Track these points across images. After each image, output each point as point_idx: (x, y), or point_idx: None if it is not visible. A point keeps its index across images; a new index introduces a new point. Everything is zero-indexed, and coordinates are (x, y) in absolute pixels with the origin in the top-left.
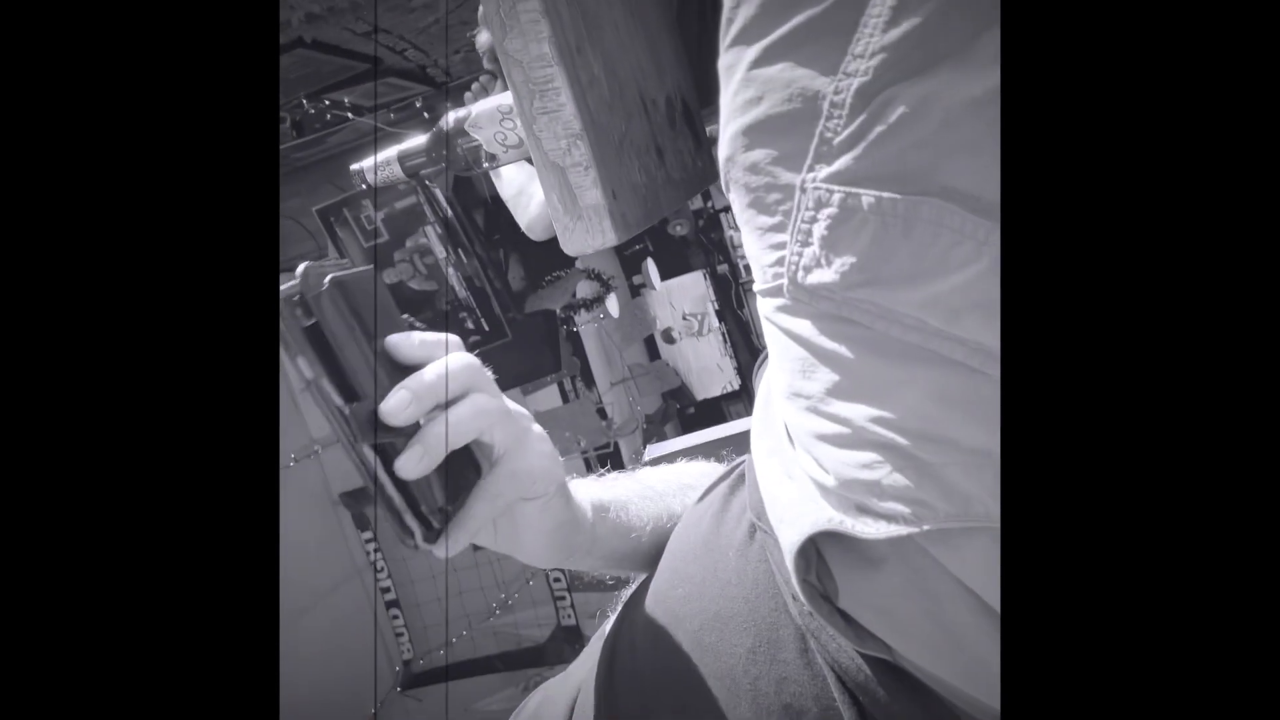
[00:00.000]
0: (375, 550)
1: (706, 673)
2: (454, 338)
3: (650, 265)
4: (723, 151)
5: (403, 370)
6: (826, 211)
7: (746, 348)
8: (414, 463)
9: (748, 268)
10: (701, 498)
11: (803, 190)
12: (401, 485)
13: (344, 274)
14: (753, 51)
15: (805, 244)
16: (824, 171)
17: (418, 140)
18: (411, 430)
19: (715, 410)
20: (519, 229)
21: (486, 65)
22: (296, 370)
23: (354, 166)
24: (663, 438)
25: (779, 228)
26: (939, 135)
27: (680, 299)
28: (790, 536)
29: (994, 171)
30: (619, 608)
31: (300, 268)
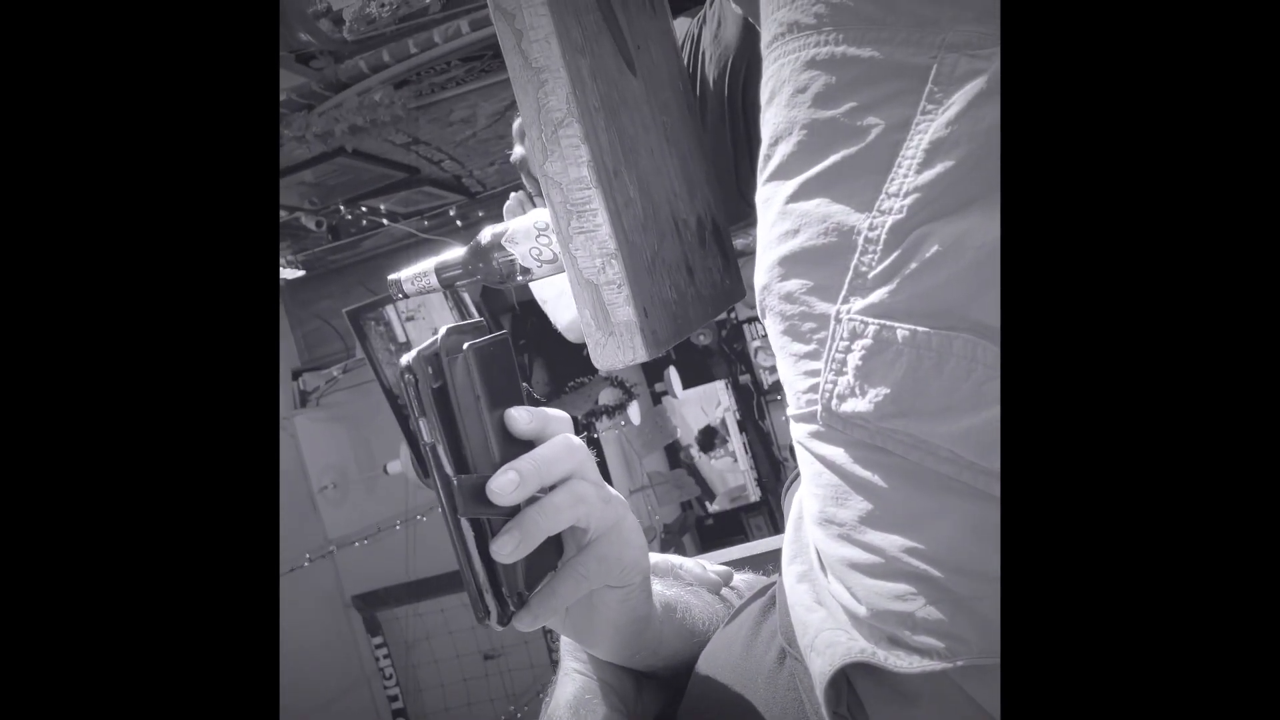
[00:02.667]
0: (385, 657)
1: None
2: (564, 415)
3: (673, 373)
4: (759, 280)
5: (514, 443)
6: (861, 342)
7: (767, 459)
8: (510, 548)
9: (775, 384)
10: (731, 618)
11: (837, 320)
12: (489, 564)
13: (480, 341)
14: (790, 186)
15: (840, 373)
16: (859, 303)
17: (455, 253)
18: (511, 509)
19: (734, 522)
20: (543, 336)
21: (525, 181)
22: (418, 430)
23: (391, 276)
24: (680, 547)
25: (813, 355)
26: (971, 273)
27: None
28: (821, 666)
29: None
30: None
31: (442, 329)
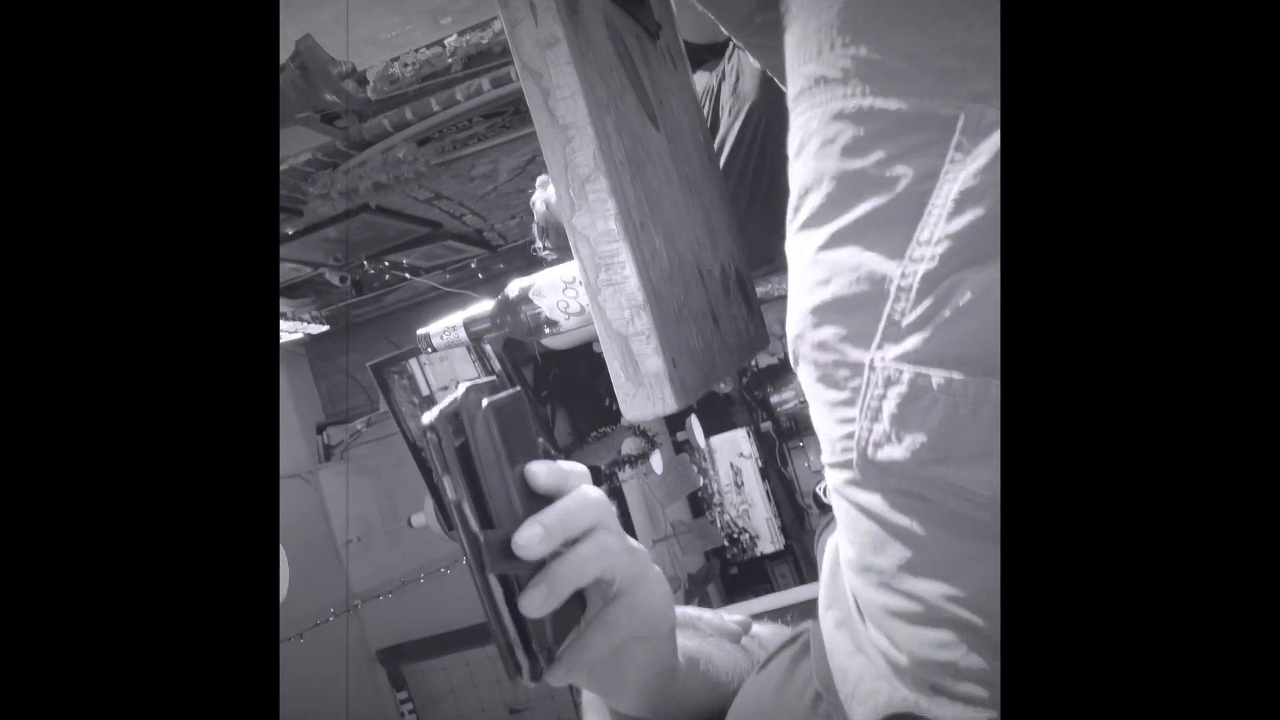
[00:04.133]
0: (410, 711)
1: None
2: (582, 469)
3: (694, 421)
4: (792, 329)
5: (535, 498)
6: (896, 390)
7: (790, 505)
8: (539, 601)
9: (797, 429)
10: (762, 667)
11: (872, 368)
12: (518, 619)
13: (498, 398)
14: (820, 236)
15: (875, 420)
16: (893, 351)
17: (482, 307)
18: (538, 563)
19: (759, 570)
20: (566, 386)
21: (549, 241)
22: (442, 487)
23: (420, 331)
24: (705, 597)
25: (848, 403)
26: None
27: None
28: (863, 716)
29: None
30: None
31: (461, 387)
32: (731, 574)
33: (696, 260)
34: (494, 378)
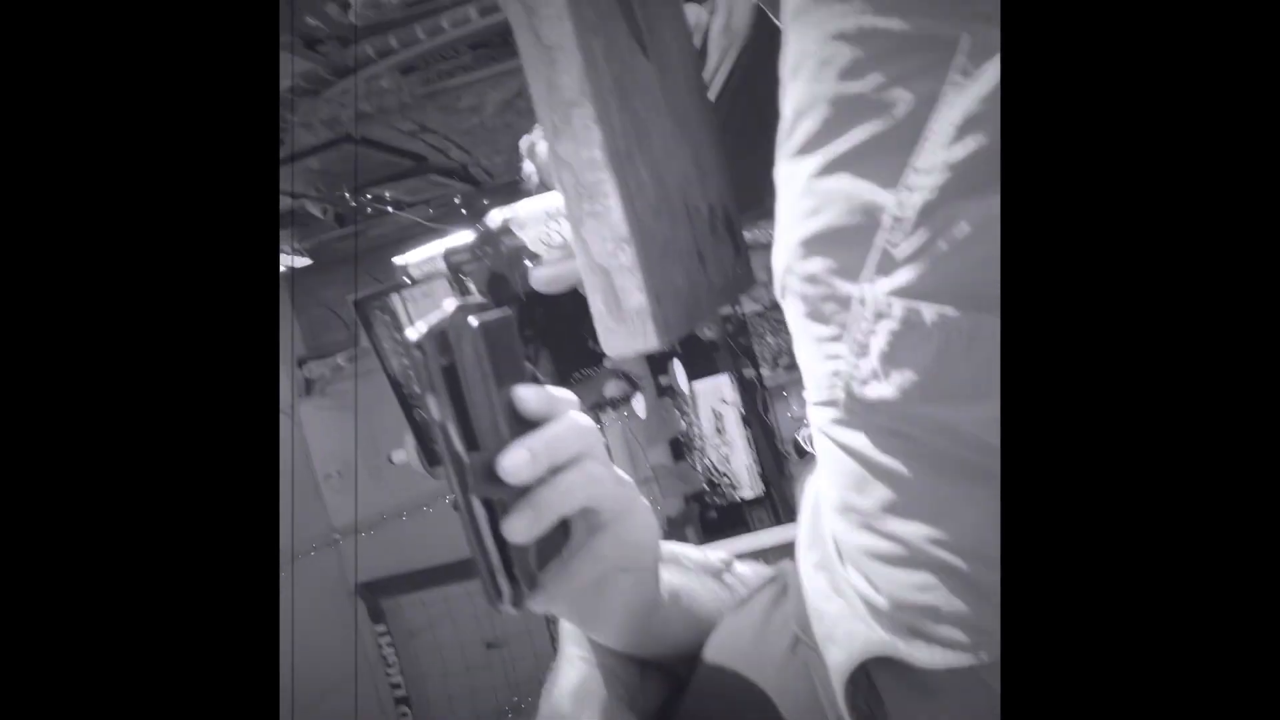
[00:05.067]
0: (388, 645)
1: None
2: (572, 396)
3: (677, 366)
4: (779, 261)
5: (522, 423)
6: (886, 324)
7: (771, 452)
8: (523, 527)
9: (788, 370)
10: (741, 605)
11: (861, 301)
12: (501, 544)
13: (488, 318)
14: (813, 164)
15: (863, 355)
16: (884, 284)
17: (463, 237)
18: (522, 489)
19: (737, 515)
20: (550, 326)
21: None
22: (427, 407)
23: (398, 260)
24: (683, 540)
25: (836, 339)
26: None
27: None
28: (840, 658)
29: None
30: None
31: (449, 305)
32: (710, 518)
33: (684, 196)
34: (484, 300)
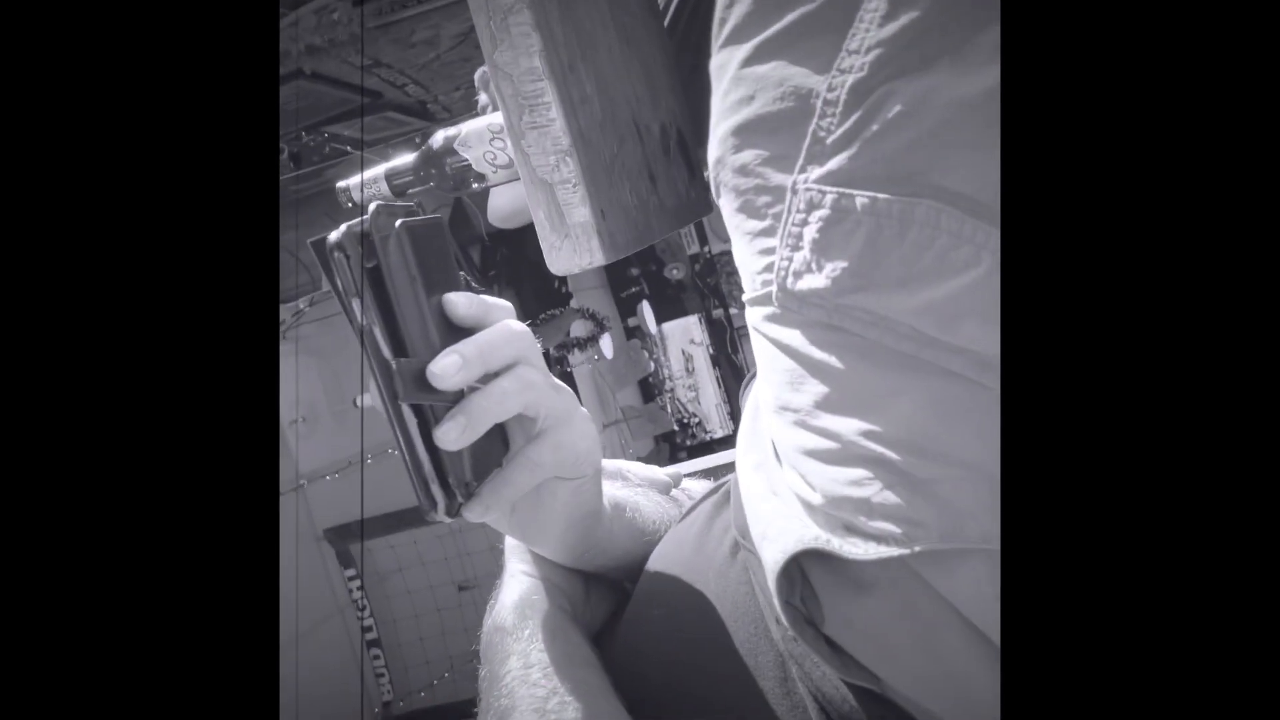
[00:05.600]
0: (359, 589)
1: (681, 699)
2: (506, 304)
3: (646, 308)
4: (712, 154)
5: (454, 331)
6: (818, 214)
7: (739, 392)
8: (455, 433)
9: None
10: (684, 517)
11: (794, 192)
12: (434, 453)
13: (414, 221)
14: (744, 50)
15: (796, 248)
16: (816, 172)
17: (405, 159)
18: (454, 396)
19: (707, 453)
20: (514, 267)
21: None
22: (349, 310)
23: (340, 184)
24: None
25: (769, 232)
26: (936, 134)
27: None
28: (773, 555)
29: (993, 173)
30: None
31: (372, 206)
32: (680, 458)
33: (634, 114)
34: (411, 203)
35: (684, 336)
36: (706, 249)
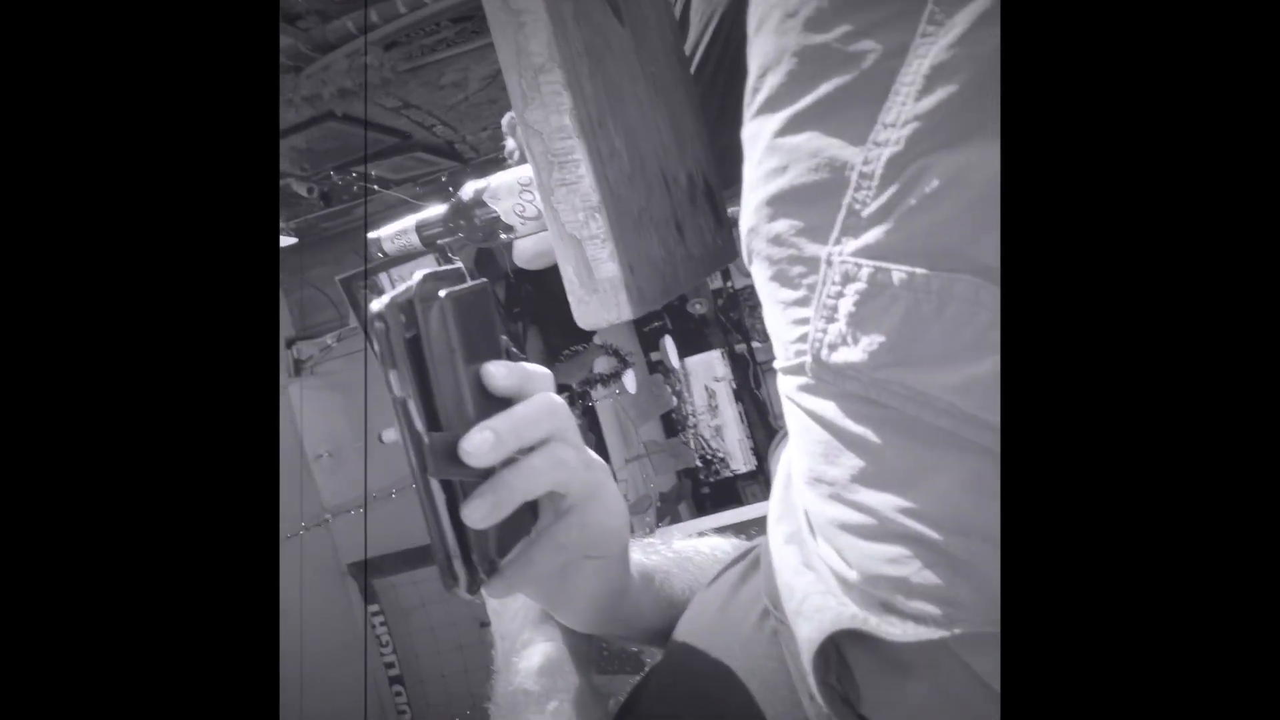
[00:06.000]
0: (381, 624)
1: None
2: (545, 372)
3: (668, 342)
4: (745, 222)
5: (491, 401)
6: (854, 287)
7: (763, 427)
8: (483, 512)
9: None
10: (711, 583)
11: (829, 264)
12: (459, 528)
13: (459, 289)
14: (778, 120)
15: (831, 320)
16: (851, 245)
17: (435, 210)
18: (485, 470)
19: (730, 490)
20: (538, 302)
21: (506, 136)
22: (387, 382)
23: (371, 235)
24: (676, 516)
25: (803, 302)
26: (973, 209)
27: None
28: (809, 633)
29: None
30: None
31: (417, 274)
32: (703, 493)
33: (661, 165)
34: (458, 266)
35: (707, 372)
36: (729, 284)
